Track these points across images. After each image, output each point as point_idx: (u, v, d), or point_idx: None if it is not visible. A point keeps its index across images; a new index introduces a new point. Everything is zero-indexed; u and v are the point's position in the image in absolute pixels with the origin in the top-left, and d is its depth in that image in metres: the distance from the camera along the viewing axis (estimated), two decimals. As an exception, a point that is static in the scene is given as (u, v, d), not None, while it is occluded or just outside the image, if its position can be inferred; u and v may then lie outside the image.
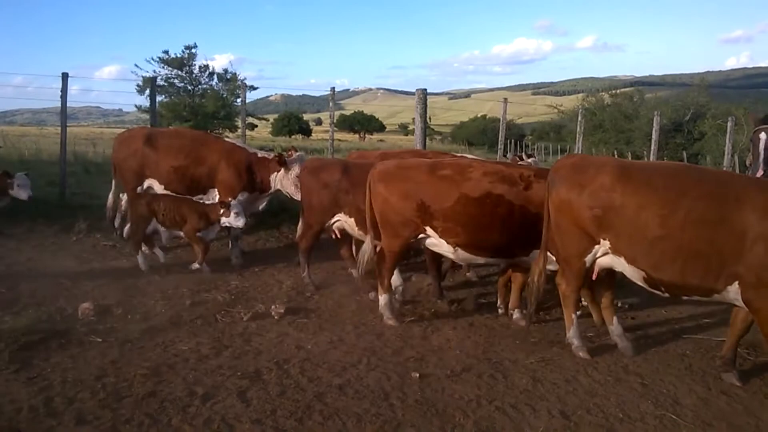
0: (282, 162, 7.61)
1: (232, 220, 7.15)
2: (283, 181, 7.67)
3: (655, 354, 5.37)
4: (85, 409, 3.83)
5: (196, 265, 7.23)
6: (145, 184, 7.94)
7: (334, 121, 13.26)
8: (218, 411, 3.91)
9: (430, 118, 11.08)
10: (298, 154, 7.86)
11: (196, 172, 7.80)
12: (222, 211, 7.14)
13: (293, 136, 69.42)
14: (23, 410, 3.76)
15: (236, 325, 5.61)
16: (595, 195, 4.85)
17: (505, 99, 14.30)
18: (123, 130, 10.39)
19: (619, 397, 4.46)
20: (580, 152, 14.54)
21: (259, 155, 7.98)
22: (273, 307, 5.99)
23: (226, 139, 8.84)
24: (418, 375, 4.61)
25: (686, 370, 5.06)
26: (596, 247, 4.98)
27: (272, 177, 7.77)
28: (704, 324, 6.22)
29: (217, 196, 7.72)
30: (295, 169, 7.50)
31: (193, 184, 7.81)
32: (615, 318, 5.43)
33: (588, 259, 5.07)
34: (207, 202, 7.54)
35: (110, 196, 8.22)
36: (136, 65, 35.51)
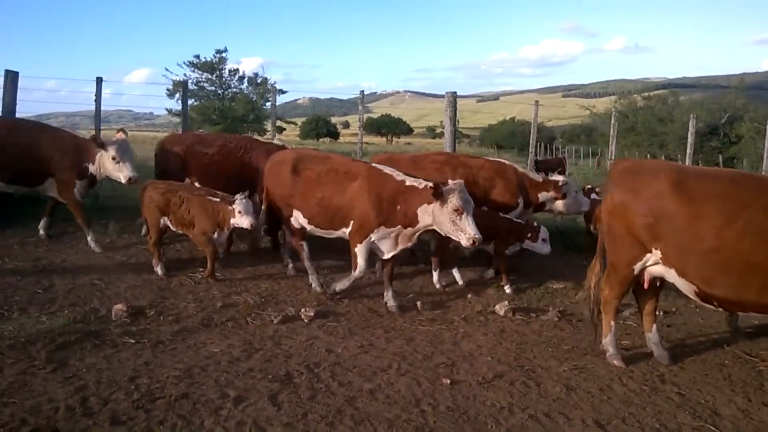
0: (436, 193, 5.96)
1: (539, 245, 7.18)
2: (438, 217, 6.04)
3: (692, 363, 5.25)
4: (119, 410, 3.87)
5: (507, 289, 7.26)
6: (293, 215, 7.00)
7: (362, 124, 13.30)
8: (250, 414, 3.93)
9: (458, 121, 11.01)
10: (458, 182, 6.14)
11: (335, 203, 6.59)
12: (530, 234, 7.15)
13: (321, 139, 69.88)
14: (60, 409, 3.81)
15: (266, 327, 5.64)
16: (649, 202, 4.70)
17: (537, 102, 14.16)
18: (155, 132, 10.41)
19: (655, 407, 4.36)
20: (613, 155, 14.28)
21: (407, 183, 6.31)
22: (303, 310, 6.01)
23: (371, 164, 6.85)
24: (449, 381, 4.57)
25: (725, 380, 4.92)
26: (647, 256, 4.83)
27: (420, 209, 6.16)
28: (744, 333, 6.05)
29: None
30: (453, 201, 5.93)
31: (336, 218, 6.67)
32: (654, 326, 5.30)
33: (636, 267, 4.93)
34: (516, 219, 7.39)
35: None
36: (166, 69, 36.05)
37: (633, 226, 4.82)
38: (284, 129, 49.91)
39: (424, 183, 6.25)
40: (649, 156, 37.07)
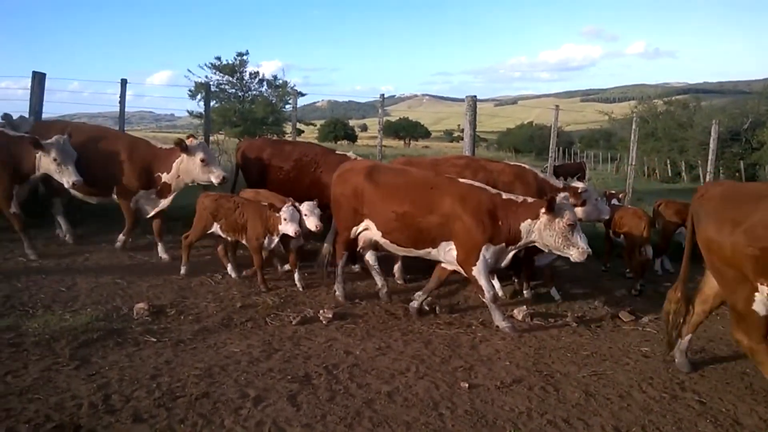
0: (551, 207, 5.61)
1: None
2: (544, 232, 5.73)
3: (713, 371, 5.19)
4: (141, 408, 3.92)
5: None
6: (361, 226, 6.68)
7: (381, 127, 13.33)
8: (269, 414, 3.96)
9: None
10: (564, 194, 5.97)
11: (422, 220, 6.14)
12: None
13: (339, 142, 70.06)
14: (83, 406, 3.88)
15: (285, 328, 5.68)
16: (752, 233, 4.15)
17: (557, 106, 14.08)
18: (177, 134, 10.50)
19: (675, 414, 4.32)
20: (633, 161, 14.10)
21: (504, 197, 6.03)
22: (321, 311, 6.05)
23: (462, 181, 6.40)
24: (467, 385, 4.57)
25: (747, 389, 4.86)
26: (761, 290, 4.26)
27: (523, 225, 5.83)
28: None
29: (453, 251, 6.07)
30: (568, 216, 5.66)
31: (422, 237, 6.24)
32: (690, 336, 5.18)
33: (757, 303, 4.31)
34: None
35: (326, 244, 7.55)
36: (188, 71, 36.26)
37: (736, 260, 4.29)
38: (303, 131, 50.11)
39: (522, 198, 6.00)
40: (669, 161, 36.68)
